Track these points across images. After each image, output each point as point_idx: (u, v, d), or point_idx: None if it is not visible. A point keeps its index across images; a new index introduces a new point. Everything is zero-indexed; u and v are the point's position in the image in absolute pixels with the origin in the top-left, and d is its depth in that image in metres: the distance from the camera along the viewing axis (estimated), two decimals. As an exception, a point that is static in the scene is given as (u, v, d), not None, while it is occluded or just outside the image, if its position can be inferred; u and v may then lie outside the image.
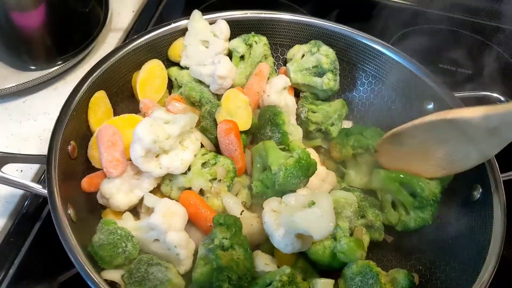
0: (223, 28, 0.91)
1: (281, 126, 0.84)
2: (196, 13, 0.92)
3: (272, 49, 0.98)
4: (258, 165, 0.81)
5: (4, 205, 0.82)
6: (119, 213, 0.77)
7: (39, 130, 0.93)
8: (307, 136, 0.93)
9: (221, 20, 0.92)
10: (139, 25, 1.20)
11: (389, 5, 1.34)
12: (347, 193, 0.79)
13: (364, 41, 0.93)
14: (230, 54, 0.93)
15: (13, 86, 0.95)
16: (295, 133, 0.87)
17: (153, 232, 0.72)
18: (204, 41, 0.92)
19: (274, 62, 0.99)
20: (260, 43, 0.94)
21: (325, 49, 0.92)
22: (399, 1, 1.36)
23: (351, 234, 0.75)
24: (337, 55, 0.94)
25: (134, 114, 0.85)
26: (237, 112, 0.84)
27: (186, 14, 0.92)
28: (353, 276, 0.70)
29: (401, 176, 0.80)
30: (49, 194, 0.67)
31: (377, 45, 0.93)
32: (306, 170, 0.74)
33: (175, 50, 0.94)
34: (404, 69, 0.90)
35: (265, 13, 0.96)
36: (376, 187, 0.83)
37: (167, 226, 0.70)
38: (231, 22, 0.93)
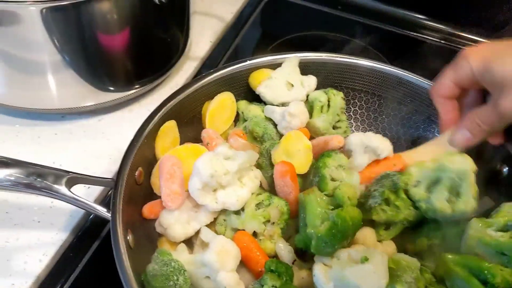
0: (312, 83, 0.95)
1: (321, 169, 0.80)
2: (294, 59, 0.95)
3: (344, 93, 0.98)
4: (301, 216, 0.76)
5: (68, 219, 0.86)
6: (174, 243, 0.78)
7: (110, 150, 0.96)
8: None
9: (313, 77, 0.95)
10: (215, 56, 1.23)
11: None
12: (411, 258, 0.74)
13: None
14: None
15: (91, 105, 0.99)
16: (346, 178, 0.82)
17: (205, 269, 0.71)
18: (289, 84, 0.94)
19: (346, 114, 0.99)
20: (338, 96, 0.94)
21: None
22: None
23: None
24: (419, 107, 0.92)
25: (198, 144, 0.87)
26: (295, 155, 0.83)
27: (260, 48, 0.95)
28: None
29: (470, 261, 0.73)
30: (112, 219, 0.69)
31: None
32: (343, 236, 0.69)
33: (258, 76, 0.95)
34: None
35: (337, 57, 0.97)
36: (444, 274, 0.75)
37: (220, 265, 0.70)
38: (306, 63, 0.95)
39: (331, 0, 1.42)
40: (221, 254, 0.71)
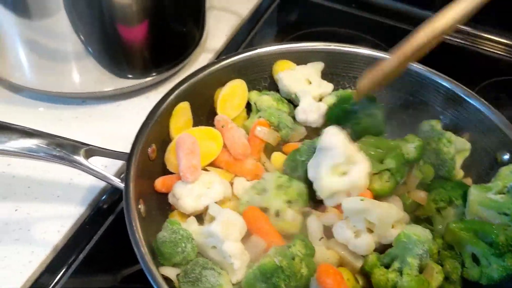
0: (328, 89, 0.99)
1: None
2: (319, 64, 1.00)
3: (351, 83, 1.01)
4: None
5: (85, 195, 0.90)
6: (185, 216, 0.81)
7: (127, 133, 1.00)
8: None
9: (330, 84, 1.00)
10: (230, 48, 1.28)
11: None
12: (421, 230, 0.75)
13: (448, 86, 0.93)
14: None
15: (110, 90, 1.05)
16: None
17: (211, 239, 0.75)
18: (307, 80, 0.98)
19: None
20: None
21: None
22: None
23: (420, 272, 0.73)
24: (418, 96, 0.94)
25: (211, 128, 0.91)
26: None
27: (277, 41, 0.98)
28: None
29: (474, 225, 0.76)
30: (125, 188, 0.73)
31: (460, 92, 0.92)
32: None
33: (283, 64, 1.00)
34: (484, 117, 0.88)
35: (345, 47, 1.00)
36: (452, 241, 0.78)
37: (225, 236, 0.73)
38: (314, 52, 0.98)
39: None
40: (226, 225, 0.74)
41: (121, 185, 0.75)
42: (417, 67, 0.95)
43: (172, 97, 0.88)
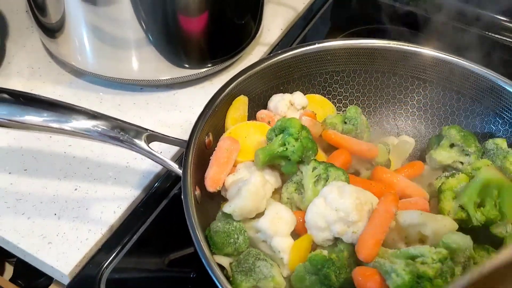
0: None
1: None
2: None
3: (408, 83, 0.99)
4: None
5: (141, 179, 0.93)
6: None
7: (182, 121, 1.04)
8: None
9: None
10: (285, 43, 1.28)
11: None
12: (462, 237, 0.71)
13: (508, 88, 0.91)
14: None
15: (168, 79, 1.07)
16: None
17: (261, 234, 0.76)
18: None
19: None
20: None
21: None
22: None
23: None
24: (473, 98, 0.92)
25: (264, 123, 0.92)
26: None
27: (330, 37, 0.98)
28: None
29: None
30: (183, 173, 0.75)
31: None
32: None
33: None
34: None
35: (404, 45, 0.98)
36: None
37: (273, 232, 0.74)
38: (368, 50, 0.97)
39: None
40: (274, 221, 0.75)
41: (179, 171, 0.77)
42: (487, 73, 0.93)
43: (229, 88, 0.89)
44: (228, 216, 0.77)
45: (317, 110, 0.97)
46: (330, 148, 0.90)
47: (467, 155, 0.88)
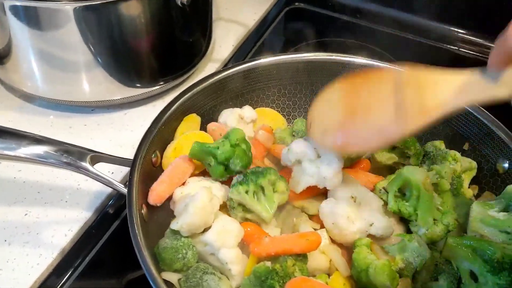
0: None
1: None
2: None
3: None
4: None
5: (92, 200, 0.93)
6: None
7: (134, 140, 1.03)
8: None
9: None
10: (237, 58, 1.31)
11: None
12: (425, 247, 0.77)
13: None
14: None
15: (118, 99, 1.08)
16: None
17: (209, 247, 0.77)
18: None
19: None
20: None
21: None
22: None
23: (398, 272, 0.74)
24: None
25: (203, 132, 0.94)
26: None
27: (284, 51, 1.00)
28: None
29: (471, 241, 0.75)
30: (128, 193, 0.75)
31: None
32: None
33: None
34: (483, 126, 0.89)
35: (345, 56, 1.00)
36: (450, 256, 0.78)
37: (220, 244, 0.75)
38: (311, 63, 1.00)
39: (351, 9, 1.48)
40: (221, 234, 0.76)
41: (124, 190, 0.77)
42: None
43: (176, 105, 0.91)
44: (176, 232, 0.77)
45: (267, 123, 0.99)
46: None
47: (407, 157, 0.90)
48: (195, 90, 0.94)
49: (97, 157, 0.80)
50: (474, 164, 0.89)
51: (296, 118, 1.02)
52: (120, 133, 1.07)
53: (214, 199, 0.80)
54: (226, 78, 0.98)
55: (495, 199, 0.82)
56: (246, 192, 0.78)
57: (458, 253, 0.76)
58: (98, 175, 0.78)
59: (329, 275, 0.78)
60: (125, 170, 0.98)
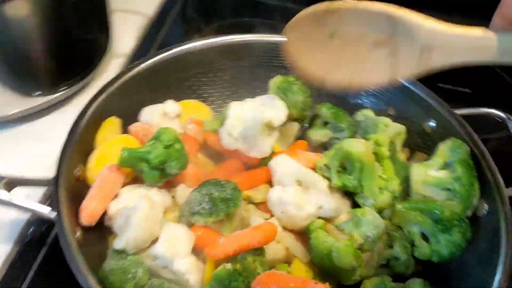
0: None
1: None
2: None
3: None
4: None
5: (9, 230, 0.82)
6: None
7: (48, 152, 0.92)
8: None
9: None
10: (141, 51, 1.21)
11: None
12: (378, 217, 0.76)
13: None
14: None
15: (18, 112, 0.96)
16: None
17: (160, 260, 0.71)
18: None
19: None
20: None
21: None
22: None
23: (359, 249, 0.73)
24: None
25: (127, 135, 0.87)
26: None
27: (186, 39, 0.94)
28: None
29: (419, 204, 0.77)
30: (58, 217, 0.66)
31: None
32: None
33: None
34: (406, 89, 0.91)
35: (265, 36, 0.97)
36: (400, 222, 0.79)
37: (172, 255, 0.69)
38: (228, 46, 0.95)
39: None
40: (171, 243, 0.70)
41: (54, 215, 0.68)
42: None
43: (91, 110, 0.82)
44: (121, 251, 0.70)
45: (193, 116, 0.93)
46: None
47: (341, 130, 0.90)
48: (109, 90, 0.85)
49: (13, 181, 0.70)
50: (403, 128, 0.90)
51: (222, 107, 0.97)
52: (30, 148, 0.95)
53: (156, 207, 0.74)
54: (140, 74, 0.90)
55: (430, 159, 0.84)
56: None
57: (407, 218, 0.77)
58: (18, 204, 0.67)
59: (288, 263, 0.75)
60: (42, 190, 0.87)
